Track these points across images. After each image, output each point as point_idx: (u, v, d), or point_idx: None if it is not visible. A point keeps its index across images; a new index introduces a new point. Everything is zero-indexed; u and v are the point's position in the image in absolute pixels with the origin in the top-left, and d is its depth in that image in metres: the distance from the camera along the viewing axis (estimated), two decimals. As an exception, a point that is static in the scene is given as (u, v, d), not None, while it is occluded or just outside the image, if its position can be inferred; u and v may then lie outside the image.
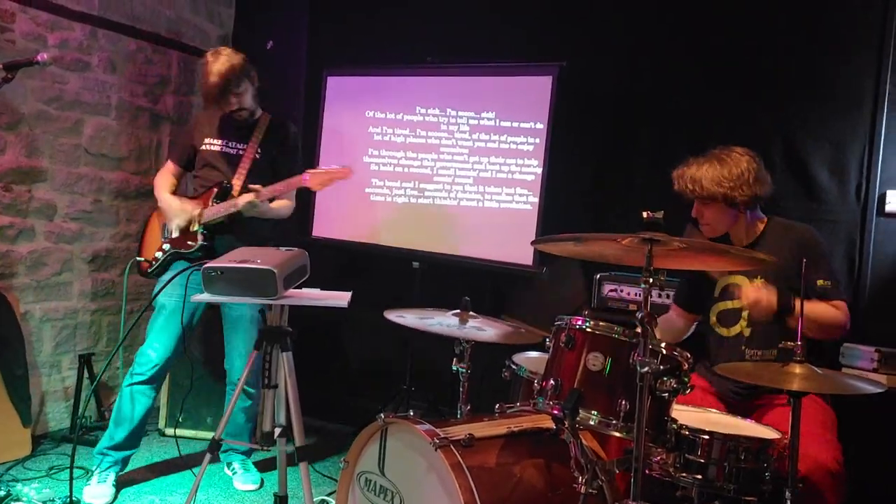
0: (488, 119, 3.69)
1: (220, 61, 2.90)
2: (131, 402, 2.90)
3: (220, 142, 3.07)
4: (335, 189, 4.08)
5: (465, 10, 3.92)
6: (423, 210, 3.85)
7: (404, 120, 3.91)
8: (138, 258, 3.11)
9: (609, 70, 3.61)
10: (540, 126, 3.55)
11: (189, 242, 2.97)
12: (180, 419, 3.58)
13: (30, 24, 3.40)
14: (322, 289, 2.58)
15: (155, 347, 2.91)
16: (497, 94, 3.68)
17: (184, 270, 2.61)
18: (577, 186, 3.64)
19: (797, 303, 2.00)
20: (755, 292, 2.25)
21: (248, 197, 2.88)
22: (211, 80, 2.89)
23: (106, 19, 3.74)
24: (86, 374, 3.67)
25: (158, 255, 3.03)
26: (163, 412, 3.68)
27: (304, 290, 2.45)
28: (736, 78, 3.35)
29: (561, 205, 3.58)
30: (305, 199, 4.21)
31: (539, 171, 3.54)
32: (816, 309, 2.27)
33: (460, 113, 3.76)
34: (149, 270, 3.05)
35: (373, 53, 4.14)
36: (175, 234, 3.00)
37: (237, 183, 2.98)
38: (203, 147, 3.07)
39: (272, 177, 3.06)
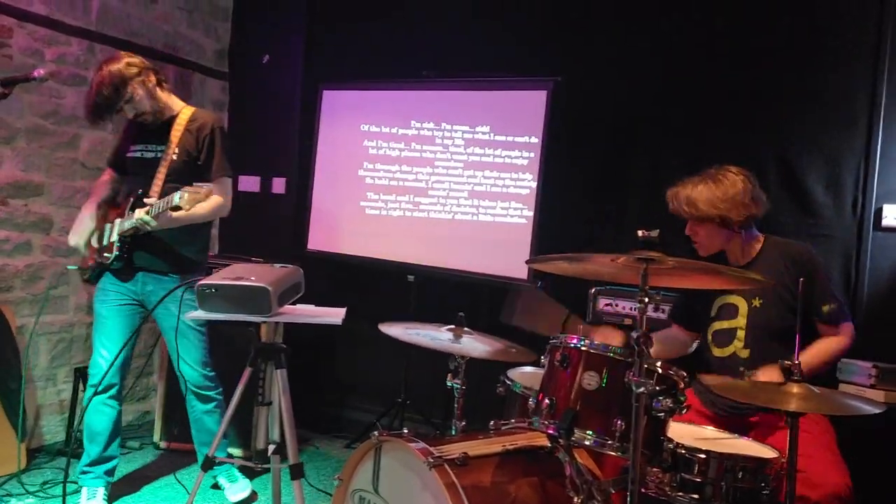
0: (483, 133, 3.69)
1: (98, 73, 2.75)
2: (96, 414, 2.87)
3: (139, 146, 2.90)
4: (331, 203, 4.11)
5: (461, 25, 3.93)
6: (418, 224, 3.85)
7: (399, 134, 3.91)
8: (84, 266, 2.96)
9: (604, 85, 3.61)
10: (535, 140, 3.55)
11: (105, 254, 2.84)
12: (175, 432, 3.57)
13: (27, 40, 3.41)
14: (317, 303, 2.57)
15: (103, 355, 2.85)
16: (492, 109, 3.69)
17: (180, 286, 2.60)
18: (572, 200, 3.64)
19: (797, 340, 1.99)
20: (766, 375, 2.20)
21: (139, 212, 2.70)
22: (88, 94, 2.76)
23: (103, 34, 3.74)
24: (81, 388, 3.65)
25: (91, 263, 2.91)
26: (158, 425, 3.67)
27: (299, 307, 2.44)
28: (731, 93, 3.36)
29: (556, 219, 3.58)
30: (301, 213, 4.22)
31: (534, 185, 3.54)
32: (820, 351, 2.28)
33: (455, 127, 3.76)
34: (84, 278, 2.94)
35: (368, 67, 4.15)
36: (96, 245, 2.88)
37: (155, 190, 2.79)
38: (128, 153, 2.92)
39: (196, 178, 2.79)
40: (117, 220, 2.83)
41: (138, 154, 2.90)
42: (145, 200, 2.74)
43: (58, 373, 3.68)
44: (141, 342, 4.02)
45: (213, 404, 3.02)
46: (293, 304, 2.42)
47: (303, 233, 4.18)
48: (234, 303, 2.22)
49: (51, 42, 3.51)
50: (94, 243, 2.89)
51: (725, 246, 2.44)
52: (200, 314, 2.26)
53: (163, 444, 3.62)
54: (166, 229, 2.78)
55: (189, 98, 4.26)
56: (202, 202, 2.68)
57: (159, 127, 2.88)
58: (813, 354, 2.28)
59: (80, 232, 2.90)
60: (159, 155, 2.86)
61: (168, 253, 2.86)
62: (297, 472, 2.34)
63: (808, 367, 2.08)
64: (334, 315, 2.39)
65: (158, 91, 2.86)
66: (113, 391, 2.90)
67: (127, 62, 2.78)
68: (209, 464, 2.41)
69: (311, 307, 2.49)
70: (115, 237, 2.82)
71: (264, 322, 2.34)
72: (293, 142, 4.37)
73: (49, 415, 3.65)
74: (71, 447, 3.42)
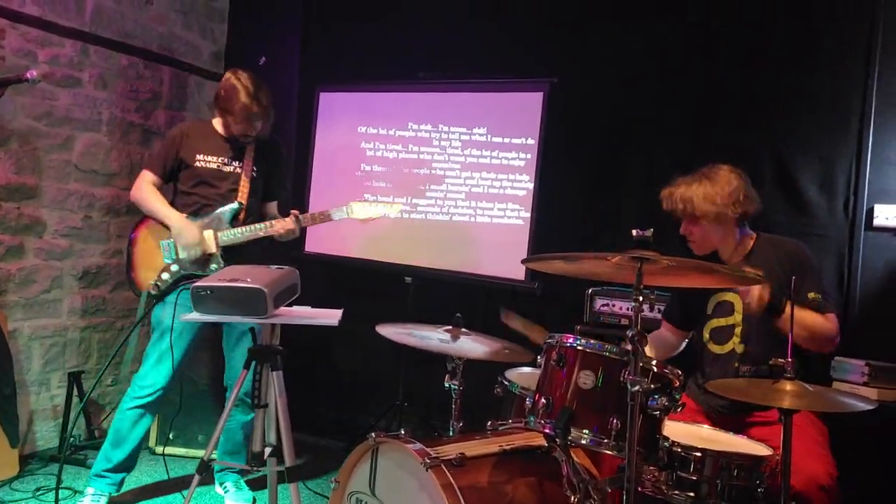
0: (480, 135, 3.70)
1: (260, 89, 2.91)
2: (132, 424, 2.86)
3: (216, 158, 2.98)
4: (328, 204, 4.07)
5: (457, 27, 3.94)
6: (415, 225, 3.85)
7: (396, 135, 3.92)
8: (144, 282, 2.95)
9: (600, 86, 3.63)
10: (531, 142, 3.56)
11: (212, 265, 2.90)
12: (171, 437, 3.55)
13: (20, 41, 3.40)
14: (314, 305, 2.57)
15: (159, 370, 2.87)
16: (488, 110, 3.70)
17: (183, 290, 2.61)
18: (569, 201, 3.65)
19: (788, 307, 1.99)
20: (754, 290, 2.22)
21: (288, 224, 2.92)
22: (253, 107, 2.88)
23: (97, 35, 3.74)
24: (75, 393, 3.64)
25: (165, 276, 2.92)
26: (153, 430, 3.65)
27: (295, 309, 2.44)
28: (726, 94, 3.38)
29: (553, 219, 3.59)
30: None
31: (531, 186, 3.55)
32: (807, 316, 2.27)
33: (452, 128, 3.77)
34: (153, 294, 2.93)
35: (365, 69, 4.15)
36: (184, 254, 2.90)
37: (243, 201, 2.95)
38: (197, 163, 2.97)
39: (263, 195, 3.07)
40: (213, 232, 2.91)
41: (214, 165, 2.98)
42: (291, 212, 2.96)
43: (51, 378, 3.67)
44: (139, 345, 4.01)
45: (252, 417, 3.00)
46: (290, 305, 2.42)
47: (300, 235, 4.16)
48: (230, 304, 2.22)
49: (44, 43, 3.50)
50: (185, 254, 2.90)
51: (720, 244, 2.46)
52: (196, 316, 2.26)
53: (159, 450, 3.60)
54: (249, 241, 2.95)
55: (186, 101, 4.26)
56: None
57: (236, 143, 3.01)
58: (802, 315, 2.22)
59: (195, 241, 2.90)
60: (238, 170, 2.99)
61: (246, 259, 2.87)
62: (293, 475, 2.34)
63: (798, 323, 2.03)
64: (331, 316, 2.39)
65: None
66: (156, 407, 2.93)
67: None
68: (204, 468, 2.40)
69: (307, 309, 2.49)
70: (215, 248, 2.92)
71: (260, 324, 2.34)
72: (290, 144, 4.36)
73: (42, 420, 3.63)
74: (64, 453, 3.40)
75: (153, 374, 2.87)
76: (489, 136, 3.68)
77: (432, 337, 2.51)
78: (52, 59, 3.55)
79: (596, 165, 3.65)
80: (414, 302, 3.82)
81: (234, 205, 2.94)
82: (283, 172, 3.18)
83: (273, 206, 3.19)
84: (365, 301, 3.83)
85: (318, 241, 4.13)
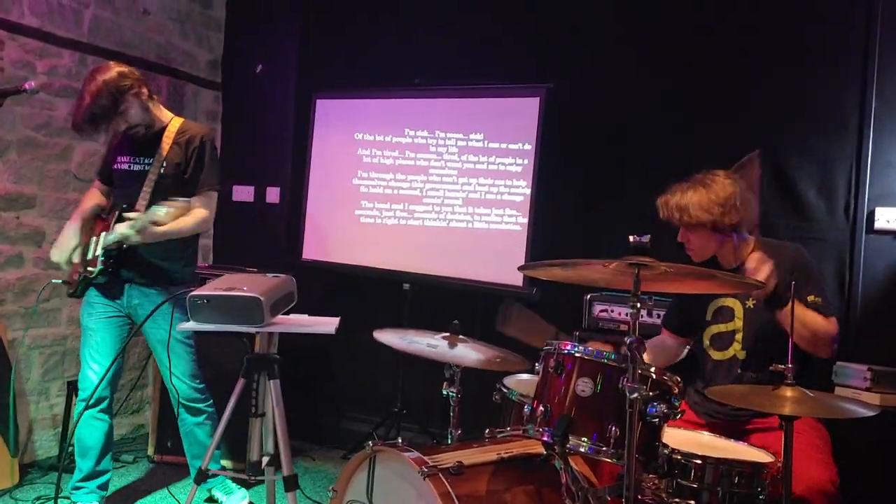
0: (477, 140, 3.70)
1: (92, 82, 2.68)
2: (87, 429, 2.84)
3: (127, 158, 2.87)
4: (325, 212, 4.11)
5: (453, 33, 3.94)
6: (412, 232, 3.84)
7: (393, 142, 3.91)
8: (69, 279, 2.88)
9: (597, 91, 3.62)
10: (528, 147, 3.55)
11: (90, 268, 2.79)
12: (169, 445, 3.54)
13: (18, 52, 3.40)
14: (313, 312, 2.56)
15: (93, 369, 2.83)
16: (485, 116, 3.69)
17: (168, 300, 2.58)
18: (566, 206, 3.64)
19: (791, 302, 1.98)
20: (760, 262, 2.19)
21: (121, 226, 2.68)
22: (80, 104, 2.68)
23: (95, 46, 3.74)
24: (74, 402, 3.62)
25: (76, 277, 2.85)
26: (151, 438, 3.65)
27: (292, 317, 2.43)
28: (723, 99, 3.37)
29: (550, 225, 3.58)
30: (295, 222, 4.21)
31: (528, 191, 3.54)
32: (809, 316, 2.25)
33: (449, 134, 3.77)
34: (70, 292, 2.87)
35: (361, 76, 4.15)
36: (78, 259, 2.83)
37: (142, 203, 2.76)
38: (115, 165, 2.90)
39: (183, 192, 2.82)
40: (102, 234, 2.79)
41: (125, 166, 2.88)
42: (127, 215, 2.71)
43: (50, 387, 3.66)
44: (134, 355, 4.01)
45: (204, 416, 3.00)
46: (286, 313, 2.42)
47: (297, 242, 4.17)
48: (227, 313, 2.22)
49: (42, 54, 3.51)
50: (77, 258, 2.84)
51: (718, 251, 2.45)
52: (192, 325, 2.25)
53: (157, 458, 3.60)
54: (152, 243, 2.76)
55: (182, 109, 4.26)
56: (185, 216, 2.72)
57: (149, 139, 2.85)
58: (803, 313, 2.22)
59: (63, 247, 2.84)
60: (147, 168, 2.82)
61: (153, 267, 2.84)
62: (291, 484, 2.33)
63: (799, 320, 2.04)
64: (328, 324, 2.38)
65: (149, 102, 2.83)
66: (103, 405, 2.87)
67: (119, 72, 2.73)
68: (202, 477, 2.39)
69: (304, 317, 2.48)
70: (99, 251, 2.78)
71: (257, 332, 2.33)
72: (287, 151, 4.37)
73: (41, 430, 3.62)
74: (63, 462, 3.38)
75: (89, 373, 2.84)
76: (486, 142, 3.67)
77: (430, 344, 2.50)
78: (51, 69, 3.55)
79: (593, 170, 3.65)
80: (411, 308, 3.81)
81: (123, 207, 2.78)
82: (199, 163, 2.86)
83: (195, 200, 2.90)
84: (362, 308, 3.82)
85: (315, 249, 4.13)
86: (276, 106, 4.40)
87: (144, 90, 2.79)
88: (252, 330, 2.27)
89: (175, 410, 2.95)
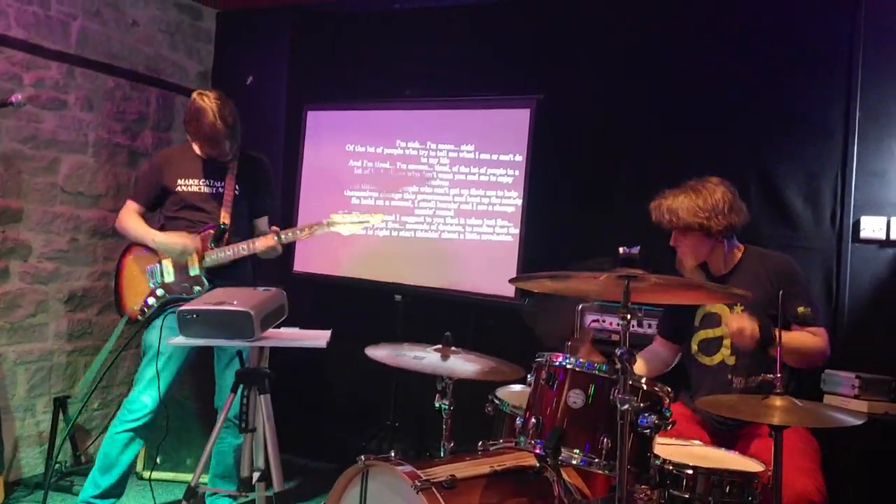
0: (468, 151, 3.71)
1: (225, 107, 2.86)
2: (122, 448, 2.82)
3: (199, 181, 2.99)
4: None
5: (444, 45, 3.96)
6: (404, 243, 3.84)
7: (384, 153, 3.92)
8: (131, 308, 2.95)
9: (587, 103, 3.64)
10: (519, 158, 3.57)
11: (194, 288, 2.88)
12: (158, 461, 3.50)
13: (5, 64, 3.39)
14: (303, 325, 2.55)
15: (150, 394, 2.82)
16: (476, 127, 3.71)
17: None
18: (558, 217, 3.65)
19: (778, 333, 2.01)
20: (738, 321, 2.25)
21: (269, 241, 2.87)
22: (218, 126, 2.83)
23: (83, 58, 3.73)
24: (61, 418, 3.59)
25: (151, 301, 2.92)
26: (141, 454, 3.60)
27: (283, 330, 2.42)
28: (711, 110, 3.40)
29: (542, 235, 3.58)
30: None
31: (519, 202, 3.55)
32: (797, 338, 2.28)
33: (440, 146, 3.77)
34: (140, 318, 2.94)
35: (352, 87, 4.16)
36: (169, 279, 2.91)
37: (226, 222, 2.93)
38: (179, 188, 2.98)
39: (249, 213, 3.06)
40: (202, 254, 2.89)
41: (196, 189, 2.98)
42: (272, 229, 2.94)
43: (36, 403, 3.62)
44: (124, 369, 3.98)
45: (244, 437, 2.96)
46: (277, 327, 2.41)
47: (288, 254, 4.15)
48: (217, 328, 2.21)
49: (29, 66, 3.49)
50: (171, 277, 2.91)
51: (708, 256, 2.47)
52: (182, 340, 2.24)
53: (146, 474, 3.56)
54: (239, 262, 2.93)
55: (173, 121, 4.25)
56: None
57: (211, 164, 2.98)
58: (792, 338, 2.28)
59: (184, 252, 2.90)
60: (221, 190, 2.97)
61: (238, 279, 2.91)
62: (282, 500, 2.31)
63: (786, 345, 2.07)
64: (319, 337, 2.37)
65: None
66: (147, 431, 2.89)
67: (233, 103, 2.94)
68: (191, 494, 2.36)
69: (295, 330, 2.47)
70: (198, 271, 2.88)
71: (247, 347, 2.32)
72: (278, 163, 4.35)
73: (27, 447, 3.58)
74: (49, 479, 3.35)
75: (143, 398, 2.83)
76: (477, 153, 3.68)
77: (422, 356, 2.49)
78: (38, 81, 3.54)
79: (584, 181, 3.66)
80: (403, 320, 3.80)
81: (221, 226, 2.93)
82: (269, 187, 3.17)
83: (263, 222, 3.15)
84: (354, 320, 3.81)
85: (306, 261, 4.11)
86: (266, 117, 4.38)
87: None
88: (243, 344, 2.26)
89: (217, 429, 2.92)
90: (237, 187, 3.01)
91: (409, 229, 3.83)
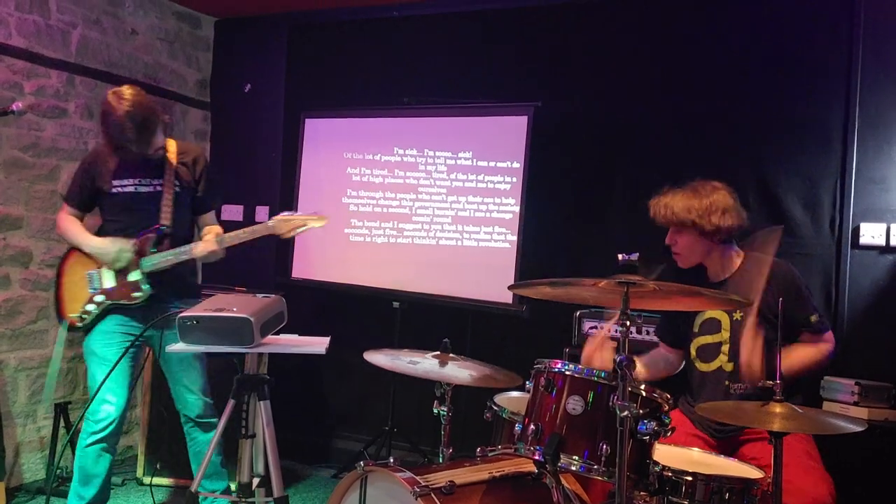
0: (465, 159, 3.72)
1: (134, 105, 2.65)
2: (95, 459, 2.75)
3: (134, 181, 2.81)
4: (314, 230, 4.09)
5: (441, 52, 3.98)
6: (402, 250, 3.85)
7: (382, 161, 3.93)
8: (70, 315, 2.82)
9: (584, 109, 3.66)
10: (517, 165, 3.58)
11: (134, 294, 2.75)
12: (158, 467, 3.50)
13: (6, 73, 3.40)
14: (302, 331, 2.55)
15: (111, 401, 2.74)
16: (473, 134, 3.72)
17: (166, 316, 2.55)
18: (555, 224, 3.67)
19: (778, 357, 2.02)
20: (748, 353, 2.26)
21: (209, 245, 2.73)
22: (127, 127, 2.63)
23: (83, 66, 3.75)
24: (62, 424, 3.59)
25: (91, 308, 2.79)
26: (140, 460, 3.61)
27: (282, 337, 2.43)
28: (709, 117, 3.41)
29: (539, 242, 3.60)
30: (285, 241, 4.20)
31: (517, 209, 3.56)
32: (797, 356, 2.31)
33: (438, 153, 3.78)
34: (80, 325, 2.81)
35: (350, 95, 4.17)
36: (108, 284, 2.78)
37: (166, 223, 2.77)
38: (115, 189, 2.81)
39: (193, 210, 2.89)
40: (139, 259, 2.75)
41: (131, 189, 2.81)
42: (209, 230, 2.83)
43: (37, 409, 3.62)
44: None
45: (214, 432, 2.88)
46: (277, 333, 2.41)
47: (287, 261, 4.16)
48: (217, 334, 2.20)
49: (30, 75, 3.51)
50: (109, 283, 2.79)
51: (705, 259, 2.48)
52: (182, 346, 2.24)
53: (146, 480, 3.55)
54: (182, 266, 2.82)
55: (171, 129, 4.26)
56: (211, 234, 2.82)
57: (151, 161, 2.81)
58: (795, 359, 2.32)
59: (120, 258, 2.77)
60: (158, 188, 2.81)
61: (179, 281, 2.86)
62: (282, 506, 2.30)
63: (788, 369, 2.14)
64: (318, 344, 2.37)
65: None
66: (116, 438, 2.81)
67: (149, 97, 2.76)
68: (193, 500, 2.36)
69: (294, 337, 2.47)
70: (138, 276, 2.75)
71: (247, 353, 2.32)
72: (276, 170, 4.37)
73: (29, 452, 3.58)
74: (50, 485, 3.35)
75: (105, 407, 2.74)
76: (475, 160, 3.70)
77: (421, 363, 2.49)
78: (38, 90, 3.55)
79: (581, 188, 3.67)
80: (402, 327, 3.80)
81: (162, 228, 2.77)
82: (209, 181, 2.93)
83: (208, 217, 2.98)
84: (352, 327, 3.82)
85: (305, 268, 4.12)
86: (264, 125, 4.40)
87: (167, 116, 2.92)
88: (242, 350, 2.26)
89: (184, 430, 2.91)
90: (177, 184, 2.83)
91: (406, 236, 3.84)
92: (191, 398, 2.88)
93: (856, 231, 3.12)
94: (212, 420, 2.93)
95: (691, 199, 2.42)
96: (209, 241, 2.77)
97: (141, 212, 2.80)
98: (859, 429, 1.84)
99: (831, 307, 3.13)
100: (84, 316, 2.80)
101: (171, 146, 2.89)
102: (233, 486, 3.39)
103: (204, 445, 2.92)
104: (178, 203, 2.82)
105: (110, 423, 2.73)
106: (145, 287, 2.75)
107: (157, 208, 2.79)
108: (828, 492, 2.08)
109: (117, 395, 2.76)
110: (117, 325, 2.80)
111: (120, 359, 2.62)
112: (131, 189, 2.82)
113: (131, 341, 2.74)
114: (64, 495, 3.29)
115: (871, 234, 3.09)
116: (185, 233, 2.90)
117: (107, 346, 2.77)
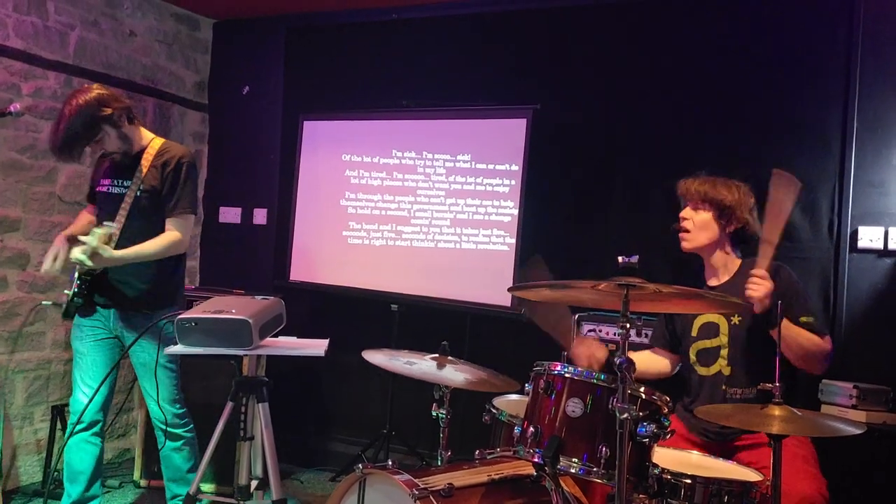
0: (464, 161, 3.72)
1: (66, 109, 2.62)
2: (78, 453, 2.79)
3: (108, 181, 2.82)
4: (313, 233, 4.11)
5: (440, 54, 3.98)
6: (400, 252, 3.84)
7: (381, 163, 3.93)
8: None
9: (583, 112, 3.66)
10: (515, 168, 3.58)
11: (65, 291, 2.77)
12: (156, 469, 3.48)
13: (3, 74, 3.39)
14: (300, 334, 2.55)
15: (83, 391, 2.78)
16: (472, 137, 3.72)
17: (152, 325, 2.54)
18: (554, 226, 3.67)
19: (779, 323, 2.03)
20: (762, 277, 2.26)
21: (76, 251, 2.57)
22: (56, 135, 2.63)
23: (81, 67, 3.74)
24: (59, 426, 3.57)
25: (65, 299, 2.81)
26: (138, 463, 3.60)
27: (281, 339, 2.42)
28: (707, 120, 3.42)
29: (538, 245, 3.59)
30: (283, 243, 4.21)
31: (515, 212, 3.56)
32: (800, 334, 2.29)
33: (436, 156, 3.78)
34: (62, 314, 2.83)
35: (349, 97, 4.17)
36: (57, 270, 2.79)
37: (118, 226, 2.71)
38: (98, 188, 2.85)
39: (161, 214, 2.79)
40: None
41: (105, 189, 2.82)
42: (81, 238, 2.59)
43: (34, 411, 3.61)
44: (120, 378, 3.95)
45: (181, 442, 2.90)
46: (275, 336, 2.40)
47: (285, 264, 4.16)
48: (215, 336, 2.20)
49: (27, 76, 3.50)
50: (57, 269, 2.78)
51: (710, 251, 2.48)
52: (180, 349, 2.23)
53: (143, 483, 3.54)
54: (127, 265, 2.69)
55: (169, 130, 4.26)
56: (153, 239, 2.70)
57: (128, 162, 2.79)
58: (796, 332, 2.29)
59: (47, 262, 2.76)
60: (125, 191, 2.77)
61: (131, 289, 2.77)
62: (280, 508, 2.30)
63: (787, 338, 2.16)
64: (317, 346, 2.37)
65: (129, 128, 2.76)
66: (95, 428, 2.82)
67: (98, 99, 2.65)
68: (190, 502, 2.36)
69: (293, 339, 2.47)
70: (76, 275, 2.74)
71: (246, 355, 2.31)
72: (274, 172, 4.37)
73: (25, 455, 3.56)
74: (48, 488, 3.34)
75: (80, 396, 2.80)
76: (473, 163, 3.70)
77: (419, 365, 2.49)
78: (36, 91, 3.55)
79: (580, 191, 3.68)
80: (400, 329, 3.80)
81: (92, 230, 2.64)
82: (172, 186, 2.78)
83: (168, 222, 2.83)
84: (351, 329, 3.81)
85: (303, 270, 4.12)
86: (263, 127, 4.40)
87: (124, 119, 2.73)
88: (241, 353, 2.26)
89: (156, 433, 2.92)
90: (141, 187, 2.76)
91: (405, 239, 3.84)
92: (152, 405, 2.87)
93: (854, 234, 3.13)
94: (178, 431, 2.91)
95: (732, 189, 2.47)
96: (78, 246, 2.58)
97: (108, 211, 2.78)
98: (859, 431, 1.84)
99: (829, 310, 3.13)
100: (58, 305, 2.91)
101: (154, 146, 2.83)
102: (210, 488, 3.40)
103: (170, 451, 2.91)
104: (137, 206, 2.74)
105: (83, 413, 2.74)
106: (75, 286, 2.73)
107: (117, 210, 2.75)
108: (817, 490, 2.08)
109: (89, 385, 2.79)
110: (84, 319, 2.82)
111: (122, 356, 2.66)
112: (106, 189, 2.83)
113: (98, 335, 2.80)
114: (60, 498, 3.29)
115: (870, 237, 3.09)
116: (146, 236, 2.74)
117: (77, 338, 2.84)
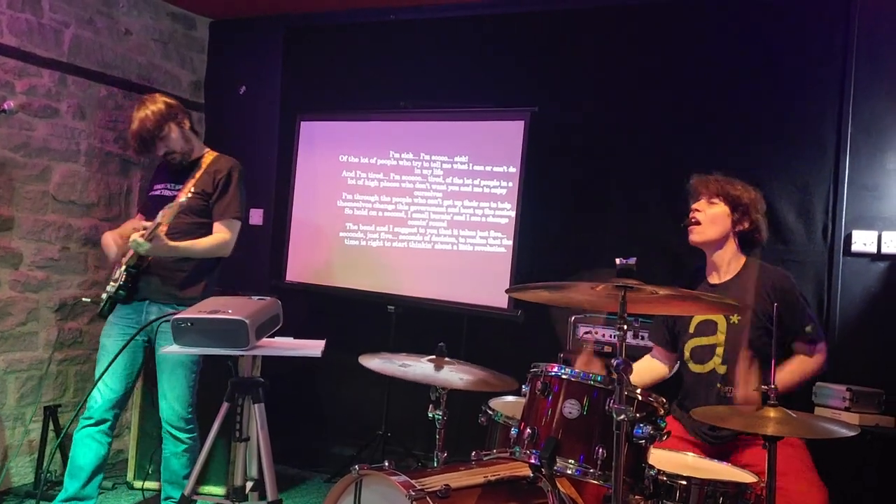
0: (461, 163, 3.72)
1: (141, 109, 2.92)
2: (83, 447, 2.83)
3: (162, 185, 3.05)
4: (309, 234, 4.10)
5: (438, 56, 3.98)
6: (397, 254, 3.84)
7: (378, 164, 3.93)
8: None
9: (581, 115, 3.67)
10: (513, 170, 3.58)
11: (111, 283, 2.93)
12: (150, 471, 3.47)
13: (-3, 72, 3.38)
14: (297, 334, 2.54)
15: (100, 389, 2.85)
16: (470, 139, 3.72)
17: (163, 317, 2.56)
18: (551, 229, 3.67)
19: (773, 362, 2.04)
20: (745, 393, 2.29)
21: (134, 235, 2.78)
22: (131, 129, 2.94)
23: (75, 66, 3.73)
24: (51, 427, 3.55)
25: (103, 295, 2.97)
26: (131, 464, 3.58)
27: (277, 340, 2.41)
28: (704, 123, 3.43)
29: (535, 247, 3.60)
30: (279, 244, 4.20)
31: (513, 214, 3.56)
32: (791, 372, 2.37)
33: (434, 157, 3.79)
34: (98, 312, 3.01)
35: (346, 98, 4.17)
36: (115, 276, 2.96)
37: (163, 225, 2.81)
38: (151, 192, 3.08)
39: (205, 217, 2.98)
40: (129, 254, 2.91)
41: (158, 192, 3.02)
42: (141, 224, 2.86)
43: (26, 412, 3.58)
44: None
45: (183, 448, 2.93)
46: (271, 336, 2.40)
47: (281, 264, 4.15)
48: (211, 336, 2.19)
49: (21, 74, 3.48)
50: (116, 274, 2.95)
51: (716, 246, 2.49)
52: (176, 348, 2.23)
53: (137, 484, 3.53)
54: (174, 259, 2.88)
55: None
56: (205, 237, 2.91)
57: (184, 168, 3.02)
58: (789, 372, 2.38)
59: (113, 247, 2.98)
60: (177, 192, 2.97)
61: (170, 282, 2.91)
62: (275, 509, 2.29)
63: (784, 386, 2.21)
64: (313, 347, 2.36)
65: (189, 133, 3.03)
66: (106, 426, 2.88)
67: (165, 102, 2.96)
68: (186, 503, 2.35)
69: (289, 339, 2.46)
70: (123, 268, 2.90)
71: (242, 356, 2.31)
72: (271, 173, 4.36)
73: (17, 456, 3.54)
74: (41, 489, 3.32)
75: (96, 393, 2.86)
76: (471, 165, 3.70)
77: (416, 367, 2.49)
78: (30, 89, 3.53)
79: (578, 193, 3.68)
80: (397, 331, 3.80)
81: (145, 227, 2.82)
82: (223, 191, 2.99)
83: (215, 225, 3.03)
84: (347, 330, 3.81)
85: (300, 271, 4.11)
86: (259, 128, 4.39)
87: (186, 122, 3.02)
88: (237, 353, 2.25)
89: (162, 434, 2.94)
90: (192, 191, 2.95)
91: (402, 240, 3.84)
92: (162, 403, 2.93)
93: (848, 238, 3.14)
94: (182, 435, 2.93)
95: (748, 188, 2.51)
96: (137, 232, 2.81)
97: (155, 212, 2.90)
98: (853, 433, 1.85)
99: (823, 314, 3.15)
100: (99, 302, 2.98)
101: (209, 157, 3.06)
102: (214, 490, 3.39)
103: (170, 455, 2.95)
104: (187, 207, 2.92)
105: (96, 409, 2.84)
106: (122, 278, 2.89)
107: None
108: (822, 500, 2.09)
109: (108, 382, 2.86)
110: (116, 317, 2.95)
111: (120, 351, 2.67)
112: (159, 192, 3.03)
113: (128, 334, 2.83)
114: (53, 500, 3.27)
115: (864, 241, 3.11)
116: (185, 237, 2.91)
117: (106, 335, 2.93)
